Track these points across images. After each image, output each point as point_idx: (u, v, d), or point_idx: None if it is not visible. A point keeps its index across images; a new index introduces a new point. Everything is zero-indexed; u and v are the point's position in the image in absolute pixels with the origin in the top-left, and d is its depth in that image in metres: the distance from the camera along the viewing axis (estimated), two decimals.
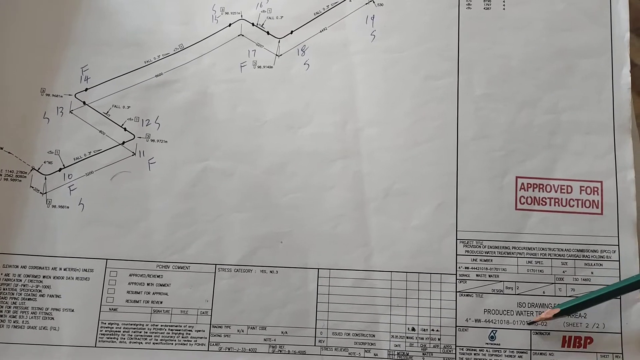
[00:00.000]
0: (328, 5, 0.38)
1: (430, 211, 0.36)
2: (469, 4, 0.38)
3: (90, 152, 0.36)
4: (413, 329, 0.34)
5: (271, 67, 0.38)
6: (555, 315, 0.33)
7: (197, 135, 0.37)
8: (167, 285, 0.35)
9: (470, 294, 0.35)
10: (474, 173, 0.36)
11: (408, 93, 0.37)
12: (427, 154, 0.36)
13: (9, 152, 0.36)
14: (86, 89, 0.37)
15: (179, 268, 0.35)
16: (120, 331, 0.35)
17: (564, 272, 0.35)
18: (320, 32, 0.38)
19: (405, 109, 0.37)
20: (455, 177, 0.36)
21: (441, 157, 0.36)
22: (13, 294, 0.35)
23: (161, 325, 0.35)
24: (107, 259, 0.35)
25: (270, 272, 0.35)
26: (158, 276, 0.35)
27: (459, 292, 0.35)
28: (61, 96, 0.37)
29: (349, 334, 0.35)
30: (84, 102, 0.37)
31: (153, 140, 0.37)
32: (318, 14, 0.38)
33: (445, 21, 0.37)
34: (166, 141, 0.37)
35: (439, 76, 0.37)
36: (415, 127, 0.36)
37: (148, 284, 0.35)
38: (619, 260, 0.35)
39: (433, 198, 0.36)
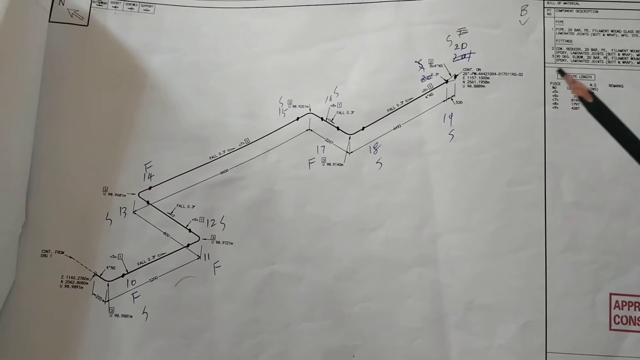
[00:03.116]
0: (402, 101, 0.36)
1: (517, 329, 0.33)
2: (555, 104, 0.35)
3: (154, 256, 0.35)
4: None
5: (341, 164, 0.36)
6: None
7: (263, 236, 0.35)
8: None
9: None
10: (564, 288, 0.33)
11: (490, 198, 0.35)
12: (513, 265, 0.34)
13: (70, 257, 0.35)
14: (150, 187, 0.36)
15: None
16: None
17: None
18: (394, 129, 0.36)
19: (488, 216, 0.34)
20: (544, 292, 0.33)
21: (528, 270, 0.34)
22: None
23: None
24: None
25: None
26: None
27: None
28: (124, 195, 0.36)
29: None
30: (148, 202, 0.36)
31: (218, 242, 0.35)
32: (391, 110, 0.36)
33: (530, 121, 0.35)
34: (232, 243, 0.35)
35: (524, 181, 0.34)
36: (498, 236, 0.34)
37: None
38: None
39: (519, 315, 0.33)
